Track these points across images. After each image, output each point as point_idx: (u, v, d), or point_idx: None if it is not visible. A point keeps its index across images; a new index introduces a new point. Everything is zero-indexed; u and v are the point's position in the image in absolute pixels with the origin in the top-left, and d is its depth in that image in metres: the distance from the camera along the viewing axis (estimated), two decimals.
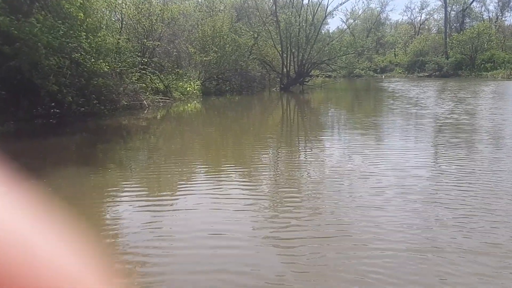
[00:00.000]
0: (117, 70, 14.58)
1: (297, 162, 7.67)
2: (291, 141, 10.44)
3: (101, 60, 12.19)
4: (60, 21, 11.60)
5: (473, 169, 6.60)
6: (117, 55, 15.40)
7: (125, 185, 6.37)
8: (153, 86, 17.41)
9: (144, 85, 15.81)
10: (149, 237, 4.20)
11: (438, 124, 12.14)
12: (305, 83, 30.62)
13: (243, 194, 5.59)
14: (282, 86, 29.10)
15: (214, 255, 3.77)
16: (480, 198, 5.15)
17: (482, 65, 45.97)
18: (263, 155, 8.34)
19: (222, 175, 6.82)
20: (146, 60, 17.11)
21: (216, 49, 23.05)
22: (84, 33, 12.11)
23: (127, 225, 4.62)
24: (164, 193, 6.02)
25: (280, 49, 28.55)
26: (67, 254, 0.35)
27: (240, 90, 25.77)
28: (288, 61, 29.13)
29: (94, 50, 12.19)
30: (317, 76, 34.39)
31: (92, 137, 11.31)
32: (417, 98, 21.30)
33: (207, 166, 7.80)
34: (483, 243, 3.90)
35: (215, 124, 14.28)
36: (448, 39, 51.32)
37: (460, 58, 47.77)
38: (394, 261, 3.57)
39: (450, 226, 4.29)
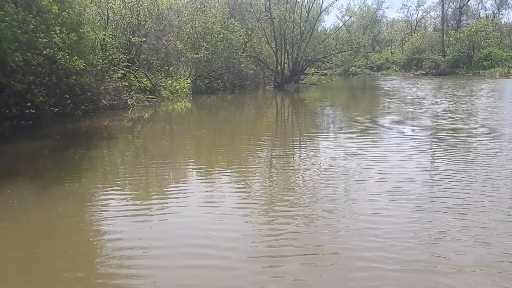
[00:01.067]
0: (98, 68, 13.62)
1: (291, 165, 7.33)
2: (285, 142, 10.10)
3: (76, 57, 11.18)
4: (31, 15, 10.60)
5: (472, 172, 6.40)
6: (100, 52, 14.48)
7: (102, 192, 5.95)
8: (139, 85, 16.46)
9: (127, 83, 14.79)
10: (125, 250, 3.96)
11: (435, 123, 11.86)
12: (299, 81, 29.95)
13: (233, 200, 5.34)
14: (276, 84, 28.36)
15: (196, 272, 3.54)
16: (480, 205, 4.92)
17: (480, 63, 45.54)
18: (255, 158, 7.98)
19: (211, 179, 6.51)
20: (130, 57, 16.19)
21: (208, 46, 22.31)
22: (59, 28, 11.12)
23: (104, 237, 4.32)
24: (145, 201, 5.52)
25: (274, 46, 27.81)
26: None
27: (232, 89, 25.02)
28: (283, 59, 28.34)
29: (67, 46, 11.17)
30: (312, 74, 33.72)
31: (66, 140, 10.35)
32: (413, 96, 20.96)
33: (194, 169, 7.38)
34: (487, 254, 3.74)
35: (205, 124, 13.61)
36: (445, 36, 50.92)
37: (457, 56, 47.42)
38: (389, 274, 3.43)
39: (449, 235, 4.12)
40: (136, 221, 4.68)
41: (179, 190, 5.95)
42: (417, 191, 5.42)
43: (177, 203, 5.30)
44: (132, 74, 15.27)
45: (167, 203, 5.39)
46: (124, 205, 5.26)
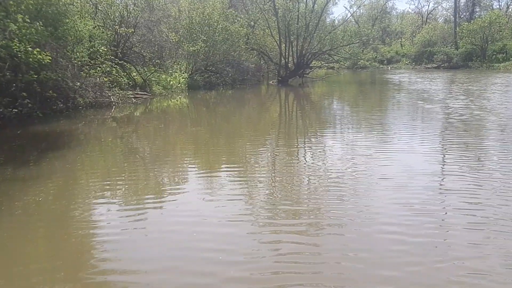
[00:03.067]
0: (75, 62, 12.10)
1: (295, 167, 6.80)
2: (288, 142, 9.41)
3: (38, 50, 9.60)
4: None
5: (488, 176, 5.87)
6: (84, 44, 13.03)
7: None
8: (127, 81, 14.94)
9: (107, 78, 13.28)
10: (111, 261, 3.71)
11: (448, 121, 11.36)
12: (305, 75, 28.55)
13: (233, 205, 4.98)
14: (280, 78, 27.09)
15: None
16: (493, 218, 4.44)
17: (494, 56, 43.61)
18: (257, 159, 7.46)
19: (208, 184, 6.01)
20: (117, 51, 14.70)
21: (205, 38, 20.86)
22: (21, 16, 9.56)
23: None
24: (133, 213, 4.89)
25: (278, 38, 26.41)
26: None
27: (233, 84, 23.64)
28: (287, 52, 27.01)
29: (27, 37, 9.58)
30: (319, 67, 32.27)
31: (25, 145, 8.83)
32: (425, 91, 20.29)
33: (188, 173, 6.72)
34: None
35: (202, 123, 12.65)
36: (457, 28, 49.01)
37: (470, 49, 45.52)
38: None
39: (462, 249, 3.82)
40: (123, 239, 4.18)
41: (169, 197, 5.38)
42: (430, 200, 4.98)
43: (170, 212, 4.84)
44: (114, 68, 13.69)
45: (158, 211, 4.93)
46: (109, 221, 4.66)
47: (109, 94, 13.45)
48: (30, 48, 9.45)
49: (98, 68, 13.30)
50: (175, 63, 20.90)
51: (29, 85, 9.75)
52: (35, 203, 5.24)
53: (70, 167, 6.97)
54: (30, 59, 9.35)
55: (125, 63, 15.80)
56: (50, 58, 9.86)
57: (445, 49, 48.13)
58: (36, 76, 9.77)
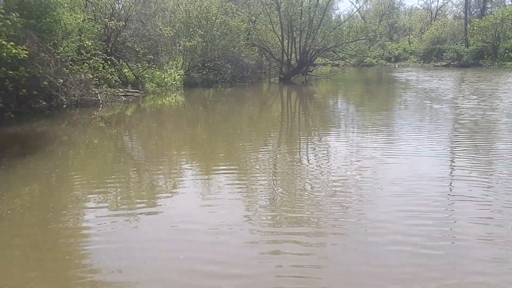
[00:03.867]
0: (58, 57, 11.46)
1: (297, 170, 6.71)
2: (290, 144, 9.33)
3: (12, 43, 8.94)
4: None
5: (500, 182, 5.75)
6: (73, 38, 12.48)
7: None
8: (116, 78, 14.37)
9: (93, 75, 12.69)
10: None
11: (458, 121, 11.26)
12: (308, 73, 27.72)
13: (230, 211, 4.84)
14: (282, 76, 26.32)
15: None
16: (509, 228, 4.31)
17: (506, 54, 42.76)
18: (257, 161, 7.30)
19: (205, 188, 5.87)
20: (107, 45, 14.10)
21: (203, 33, 20.25)
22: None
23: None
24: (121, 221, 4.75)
25: (280, 34, 25.69)
26: None
27: (232, 81, 23.17)
28: (290, 48, 26.27)
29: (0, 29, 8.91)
30: (323, 65, 31.55)
31: None
32: (433, 90, 20.14)
33: (182, 176, 6.56)
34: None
35: (198, 123, 12.49)
36: (468, 25, 48.09)
37: (481, 47, 44.64)
38: None
39: (475, 264, 3.63)
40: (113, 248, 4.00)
41: (161, 203, 5.23)
42: (439, 209, 4.83)
43: (161, 219, 4.70)
44: (102, 64, 13.10)
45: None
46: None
47: (96, 92, 12.83)
48: (4, 42, 8.80)
49: (85, 64, 12.74)
50: (171, 59, 20.39)
51: (1, 82, 9.09)
52: (7, 212, 4.89)
53: (48, 173, 6.56)
54: (4, 54, 8.69)
55: (115, 59, 15.17)
56: (27, 52, 9.20)
57: (455, 47, 47.23)
58: (11, 72, 9.12)
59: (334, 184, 5.78)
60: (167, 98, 17.09)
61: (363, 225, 4.38)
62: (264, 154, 7.87)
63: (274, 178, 6.31)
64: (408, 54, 53.59)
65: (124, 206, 5.06)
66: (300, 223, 4.52)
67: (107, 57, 14.12)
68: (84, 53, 12.83)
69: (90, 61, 12.92)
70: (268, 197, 5.43)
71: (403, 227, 4.36)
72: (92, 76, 12.58)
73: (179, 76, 19.42)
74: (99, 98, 12.89)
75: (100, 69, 13.11)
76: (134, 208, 4.97)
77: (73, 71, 12.04)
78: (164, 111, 14.47)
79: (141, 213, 4.82)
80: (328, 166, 6.93)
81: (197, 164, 7.33)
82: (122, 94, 14.66)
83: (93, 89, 12.84)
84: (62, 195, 5.61)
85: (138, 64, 17.27)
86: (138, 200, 5.29)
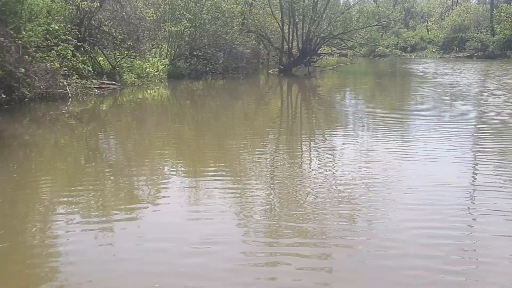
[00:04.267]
0: (20, 43, 11.31)
1: (299, 176, 6.73)
2: (291, 145, 9.36)
3: None
4: None
5: None
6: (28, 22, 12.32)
7: None
8: (87, 67, 14.27)
9: (60, 64, 12.53)
10: None
11: (482, 121, 11.21)
12: (312, 64, 27.93)
13: (220, 221, 4.86)
14: (282, 67, 26.51)
15: None
16: None
17: None
18: (253, 165, 7.25)
19: (189, 193, 5.93)
20: (75, 29, 13.96)
21: (191, 17, 20.26)
22: None
23: None
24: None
25: (280, 19, 25.81)
26: None
27: (224, 72, 23.36)
28: (291, 35, 26.37)
29: None
30: (329, 55, 32.07)
31: None
32: (454, 85, 20.36)
33: (165, 181, 6.52)
34: None
35: (184, 120, 12.45)
36: (495, 10, 48.57)
37: (509, 35, 45.17)
38: None
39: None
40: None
41: (138, 212, 5.18)
42: (459, 219, 4.86)
43: (138, 231, 4.65)
44: (70, 52, 13.00)
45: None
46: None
47: (65, 83, 12.72)
48: None
49: (53, 51, 12.64)
50: (154, 47, 20.41)
51: None
52: None
53: (5, 179, 6.39)
54: None
55: (88, 46, 15.08)
56: None
57: (479, 36, 47.59)
58: None
59: (340, 192, 5.76)
60: (149, 91, 17.12)
61: (372, 244, 4.32)
62: (260, 157, 7.83)
63: (271, 185, 6.28)
64: (426, 44, 53.97)
65: (96, 219, 4.95)
66: (301, 235, 4.50)
67: (79, 43, 13.97)
68: (51, 38, 12.65)
69: (58, 48, 12.75)
70: (265, 205, 5.41)
71: (418, 246, 4.28)
72: (59, 65, 12.45)
73: (163, 66, 19.43)
74: (68, 90, 12.78)
75: (69, 57, 12.96)
76: (107, 221, 4.88)
77: (38, 60, 11.87)
78: (145, 106, 14.37)
79: (114, 227, 4.73)
80: (333, 171, 6.91)
81: (183, 169, 7.28)
82: (96, 86, 14.56)
83: (62, 80, 12.72)
84: (21, 204, 5.50)
85: (116, 51, 17.16)
86: (112, 211, 5.19)
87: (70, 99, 12.96)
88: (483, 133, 9.97)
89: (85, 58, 14.94)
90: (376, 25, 29.71)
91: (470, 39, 47.71)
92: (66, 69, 13.10)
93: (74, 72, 13.45)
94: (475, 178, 6.52)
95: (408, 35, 55.84)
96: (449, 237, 4.44)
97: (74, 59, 13.30)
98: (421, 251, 4.15)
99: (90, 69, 14.47)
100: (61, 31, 13.35)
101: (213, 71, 23.04)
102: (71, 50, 13.08)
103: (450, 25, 52.61)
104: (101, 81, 15.29)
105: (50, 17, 14.07)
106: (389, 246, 4.26)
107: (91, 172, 6.86)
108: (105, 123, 11.36)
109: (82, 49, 14.82)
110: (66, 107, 12.48)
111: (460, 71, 28.45)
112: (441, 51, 50.46)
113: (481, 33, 48.58)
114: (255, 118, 12.87)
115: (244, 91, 19.82)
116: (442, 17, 58.97)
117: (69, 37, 13.44)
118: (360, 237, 4.48)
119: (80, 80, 13.58)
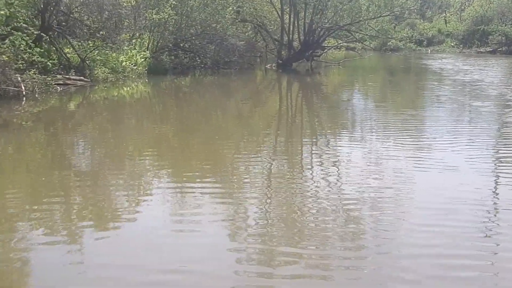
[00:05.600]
0: None
1: (298, 187, 6.74)
2: (290, 151, 9.54)
3: None
4: None
5: None
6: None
7: None
8: (52, 61, 13.94)
9: (9, 57, 12.12)
10: None
11: (507, 126, 11.53)
12: (315, 58, 28.10)
13: (205, 239, 4.84)
14: (281, 62, 26.48)
15: None
16: None
17: None
18: (246, 173, 7.42)
19: (171, 206, 6.03)
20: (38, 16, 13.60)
21: (175, 3, 20.20)
22: None
23: None
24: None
25: (279, 6, 25.95)
26: None
27: (214, 67, 23.42)
28: (292, 25, 26.40)
29: None
30: (335, 48, 32.22)
31: None
32: (475, 84, 20.57)
33: (144, 192, 6.58)
34: None
35: (167, 121, 12.47)
36: None
37: None
38: None
39: None
40: None
41: (111, 228, 5.23)
42: (481, 240, 4.95)
43: (108, 249, 4.68)
44: (24, 41, 12.53)
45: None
46: None
47: (19, 79, 12.37)
48: None
49: (6, 41, 12.19)
50: (134, 37, 20.24)
51: None
52: None
53: None
54: None
55: (51, 36, 14.70)
56: None
57: (503, 28, 47.78)
58: None
59: (346, 208, 5.79)
60: (125, 89, 17.00)
61: (380, 275, 4.29)
62: (255, 165, 7.86)
63: (267, 196, 6.35)
64: (444, 37, 54.22)
65: (63, 237, 4.92)
66: (300, 260, 4.50)
67: (41, 33, 13.58)
68: (4, 26, 12.29)
69: (12, 37, 12.33)
70: (258, 222, 5.43)
71: (434, 277, 4.22)
72: (7, 58, 12.00)
73: (142, 60, 19.23)
74: (22, 88, 12.43)
75: (22, 48, 12.51)
76: (73, 242, 4.84)
77: None
78: (122, 105, 14.32)
79: (83, 246, 4.72)
80: (337, 184, 6.89)
81: (165, 179, 7.20)
82: (60, 82, 14.20)
83: (16, 75, 12.39)
84: None
85: (88, 42, 16.84)
86: (81, 228, 5.18)
87: (24, 98, 12.63)
88: (506, 139, 10.15)
89: (48, 50, 14.51)
90: (388, 15, 29.42)
91: (493, 32, 47.89)
92: (23, 62, 12.71)
93: (31, 67, 13.07)
94: (499, 193, 6.47)
95: (424, 27, 56.04)
96: (469, 268, 4.40)
97: (30, 50, 12.86)
98: (437, 285, 4.15)
99: (55, 62, 14.08)
100: (20, 18, 12.89)
101: (201, 66, 23.04)
102: (25, 41, 12.61)
103: (471, 16, 52.89)
104: (67, 76, 14.95)
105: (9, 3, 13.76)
106: (399, 278, 4.24)
107: (54, 183, 6.81)
108: (71, 126, 11.24)
109: (46, 39, 14.38)
110: (20, 107, 12.24)
111: (482, 67, 28.73)
112: (461, 45, 50.72)
113: (505, 25, 48.68)
114: (250, 121, 12.92)
115: (238, 89, 19.94)
116: (462, 7, 59.25)
117: (24, 25, 13.04)
118: (367, 265, 4.42)
119: (38, 75, 13.22)
